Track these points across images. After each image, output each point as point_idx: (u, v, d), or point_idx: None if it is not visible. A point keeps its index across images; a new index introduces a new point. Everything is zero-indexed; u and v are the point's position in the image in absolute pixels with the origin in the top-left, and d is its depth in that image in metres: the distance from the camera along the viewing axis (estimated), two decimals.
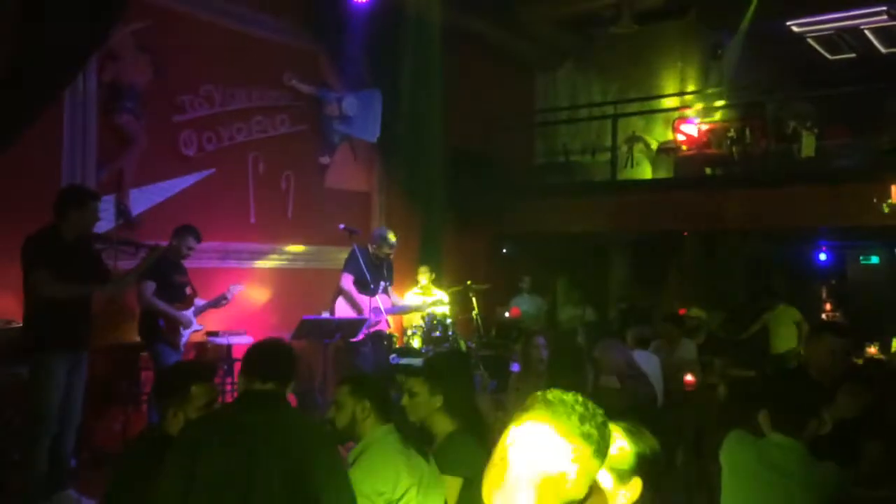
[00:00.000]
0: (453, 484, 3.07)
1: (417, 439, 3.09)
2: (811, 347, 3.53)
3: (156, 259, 5.25)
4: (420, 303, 7.49)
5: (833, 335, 3.48)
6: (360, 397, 3.01)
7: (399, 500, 2.81)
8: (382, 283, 6.69)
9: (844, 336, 3.48)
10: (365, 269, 6.47)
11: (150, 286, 5.59)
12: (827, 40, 11.03)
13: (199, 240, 5.89)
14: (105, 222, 5.91)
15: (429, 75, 8.61)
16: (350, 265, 6.65)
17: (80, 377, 4.75)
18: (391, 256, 6.88)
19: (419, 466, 2.94)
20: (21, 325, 4.83)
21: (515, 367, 6.37)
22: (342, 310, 6.69)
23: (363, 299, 6.65)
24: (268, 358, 2.68)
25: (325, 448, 2.54)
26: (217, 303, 6.07)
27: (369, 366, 6.52)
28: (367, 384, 3.11)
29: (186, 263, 5.98)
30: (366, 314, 6.56)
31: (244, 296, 6.36)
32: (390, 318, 7.04)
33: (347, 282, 6.65)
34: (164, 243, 5.69)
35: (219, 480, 2.41)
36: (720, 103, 10.37)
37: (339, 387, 3.15)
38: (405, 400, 3.30)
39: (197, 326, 5.96)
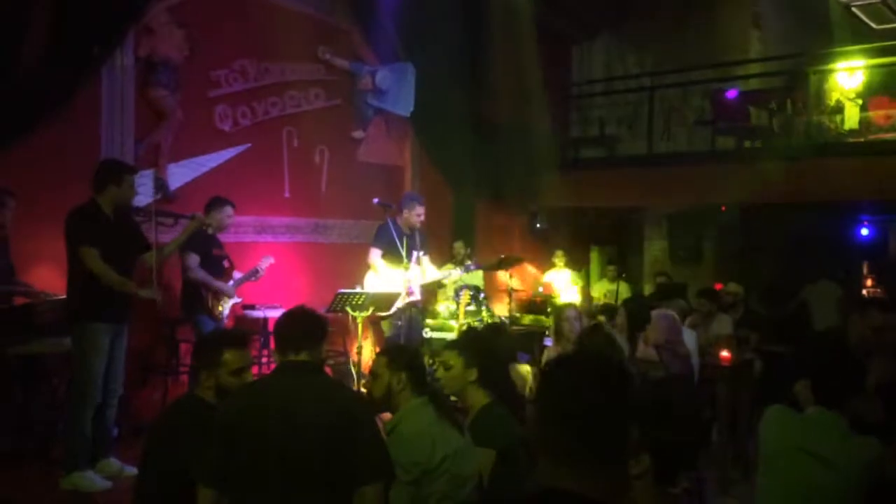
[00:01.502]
0: (487, 456, 3.09)
1: (452, 411, 3.11)
2: (855, 322, 3.46)
3: (195, 228, 5.31)
4: (452, 274, 7.46)
5: (879, 311, 3.41)
6: (397, 369, 3.04)
7: (434, 471, 2.84)
8: (416, 254, 6.67)
9: (890, 312, 3.40)
10: (397, 242, 6.47)
11: (195, 258, 5.67)
12: (872, 9, 10.70)
13: (234, 208, 5.94)
14: (143, 197, 5.97)
15: (462, 48, 8.53)
16: (380, 239, 6.62)
17: (121, 348, 4.85)
18: (422, 218, 6.78)
19: (454, 438, 2.95)
20: (64, 297, 4.94)
21: (549, 342, 6.36)
22: (370, 284, 6.70)
23: (391, 274, 6.64)
24: (296, 329, 2.68)
25: (363, 415, 2.56)
26: (251, 276, 6.14)
27: (402, 339, 6.55)
28: (404, 356, 3.13)
29: (224, 238, 6.05)
30: (399, 280, 6.55)
31: (280, 269, 6.42)
32: (423, 288, 7.01)
33: (374, 256, 6.62)
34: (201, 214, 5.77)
35: (260, 447, 2.44)
36: (760, 73, 10.13)
37: (376, 358, 3.18)
38: (440, 372, 3.31)
39: (236, 299, 6.05)
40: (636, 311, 4.97)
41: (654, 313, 4.75)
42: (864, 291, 11.01)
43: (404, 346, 3.35)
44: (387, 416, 3.12)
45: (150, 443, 3.04)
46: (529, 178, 9.44)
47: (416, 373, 3.08)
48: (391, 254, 6.52)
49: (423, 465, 2.82)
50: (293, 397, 2.50)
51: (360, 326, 6.01)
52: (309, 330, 2.69)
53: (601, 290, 9.92)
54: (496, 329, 5.12)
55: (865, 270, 11.75)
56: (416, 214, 6.63)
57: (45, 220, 5.30)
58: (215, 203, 5.87)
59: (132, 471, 4.77)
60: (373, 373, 3.13)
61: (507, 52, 9.26)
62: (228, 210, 5.88)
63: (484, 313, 7.22)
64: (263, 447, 2.44)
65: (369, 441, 2.52)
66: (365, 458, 2.49)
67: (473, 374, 3.24)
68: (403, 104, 8.45)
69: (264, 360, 6.55)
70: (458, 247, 8.19)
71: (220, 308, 5.84)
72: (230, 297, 5.91)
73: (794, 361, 3.49)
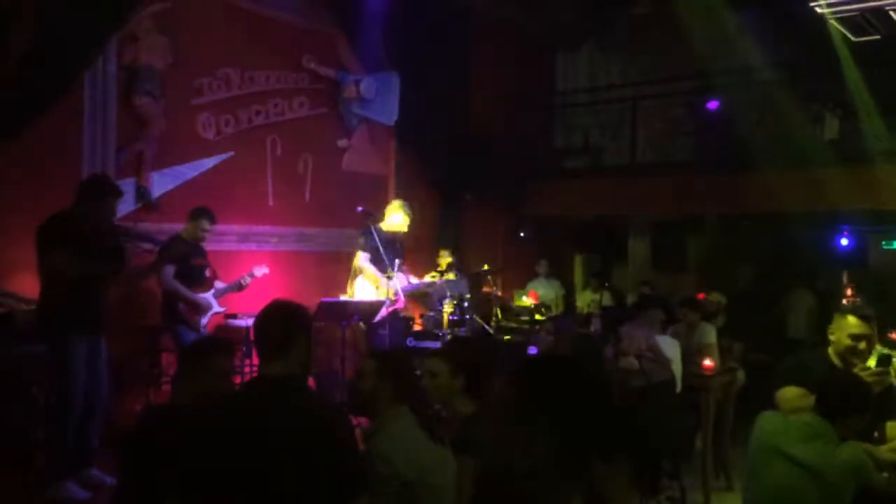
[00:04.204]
0: (470, 465, 3.08)
1: (431, 421, 3.10)
2: (833, 329, 3.49)
3: (170, 257, 5.40)
4: (435, 282, 7.47)
5: (856, 318, 3.43)
6: (384, 376, 3.03)
7: (413, 481, 2.83)
8: (398, 262, 6.70)
9: (867, 320, 3.42)
10: (381, 248, 6.49)
11: (170, 269, 5.64)
12: (851, 21, 10.82)
13: (213, 221, 5.91)
14: (125, 205, 5.96)
15: (447, 57, 8.56)
16: (367, 245, 6.66)
17: (100, 360, 4.80)
18: (406, 228, 6.84)
19: (432, 448, 2.95)
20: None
21: (533, 351, 6.37)
22: (362, 289, 6.69)
23: (382, 277, 6.68)
24: (267, 333, 2.57)
25: (341, 432, 2.49)
26: (233, 288, 6.10)
27: (385, 348, 6.54)
28: (392, 364, 3.12)
29: (206, 246, 6.02)
30: (384, 286, 6.59)
31: (263, 278, 6.38)
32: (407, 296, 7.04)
33: (364, 260, 6.66)
34: (180, 226, 5.79)
35: (233, 465, 2.36)
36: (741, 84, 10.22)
37: (366, 360, 3.17)
38: (426, 380, 3.30)
39: (218, 309, 6.00)
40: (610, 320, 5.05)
41: (624, 329, 4.78)
42: (844, 301, 11.11)
43: (395, 354, 3.37)
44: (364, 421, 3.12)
45: (132, 453, 2.99)
46: (514, 187, 9.47)
47: (400, 382, 3.07)
48: (374, 261, 6.56)
49: (401, 475, 2.81)
50: (266, 416, 2.41)
51: (343, 336, 6.00)
52: (276, 331, 2.54)
53: (585, 300, 9.95)
54: (484, 338, 5.11)
55: (845, 280, 11.86)
56: (397, 224, 6.73)
57: (26, 227, 5.24)
58: (194, 213, 5.86)
59: (111, 481, 4.73)
60: (360, 371, 3.12)
61: (491, 61, 9.30)
62: (204, 223, 5.84)
63: (468, 322, 7.22)
64: (236, 465, 2.35)
65: (347, 459, 2.46)
66: (343, 475, 2.44)
67: (459, 383, 3.23)
68: (388, 113, 8.46)
69: (247, 370, 6.51)
70: (444, 255, 8.20)
71: (197, 318, 5.80)
72: (207, 308, 5.87)
73: (779, 370, 3.49)
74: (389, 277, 6.45)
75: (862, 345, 3.40)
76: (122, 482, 2.99)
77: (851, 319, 3.42)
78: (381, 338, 6.58)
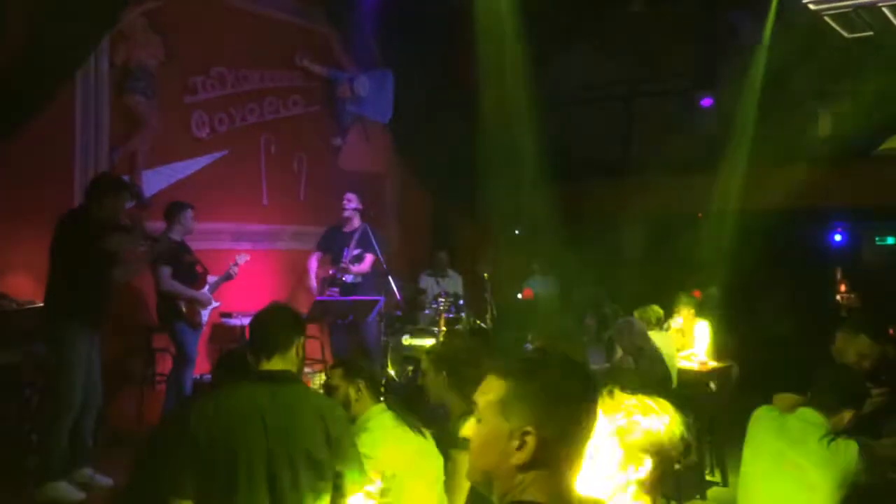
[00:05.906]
0: (463, 458, 3.08)
1: (411, 415, 3.13)
2: (842, 338, 3.50)
3: (162, 249, 5.42)
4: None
5: (869, 338, 3.43)
6: (353, 379, 3.07)
7: (396, 473, 2.86)
8: (346, 251, 6.82)
9: (880, 339, 3.43)
10: (349, 241, 6.80)
11: (166, 271, 5.62)
12: (844, 17, 10.84)
13: (193, 207, 5.89)
14: None
15: (441, 55, 8.55)
16: (320, 242, 7.09)
17: (96, 359, 4.80)
18: (346, 216, 7.06)
19: (414, 442, 2.99)
20: (39, 305, 4.86)
21: (528, 348, 6.35)
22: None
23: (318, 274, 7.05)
24: (262, 331, 2.65)
25: (342, 425, 2.53)
26: (224, 279, 6.09)
27: (377, 346, 6.59)
28: (358, 365, 3.17)
29: (199, 246, 6.00)
30: (314, 286, 6.93)
31: (257, 277, 6.37)
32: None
33: (310, 259, 7.07)
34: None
35: (238, 462, 2.38)
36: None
37: (330, 371, 3.22)
38: (421, 379, 3.31)
39: (215, 303, 6.00)
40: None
41: (613, 330, 4.79)
42: (838, 297, 11.14)
43: (356, 356, 3.43)
44: None
45: (140, 463, 2.98)
46: (510, 185, 9.46)
47: (371, 381, 3.10)
48: (330, 254, 7.00)
49: (385, 469, 2.84)
50: (270, 410, 2.44)
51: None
52: (273, 331, 2.63)
53: (580, 297, 9.93)
54: (465, 335, 5.11)
55: (839, 276, 11.89)
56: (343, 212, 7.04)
57: (19, 228, 5.23)
58: (177, 209, 5.78)
59: (106, 481, 4.73)
60: (328, 386, 3.14)
61: (487, 60, 9.28)
62: (189, 213, 5.83)
63: (463, 320, 7.23)
64: (242, 462, 2.37)
65: (349, 450, 2.50)
66: (347, 468, 2.47)
67: (444, 381, 3.22)
68: (382, 111, 8.44)
69: None
70: (442, 256, 8.21)
71: (199, 316, 5.79)
72: (207, 303, 5.86)
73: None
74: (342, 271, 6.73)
75: (866, 363, 3.41)
76: (126, 483, 2.98)
77: (863, 339, 3.43)
78: (374, 336, 6.62)
